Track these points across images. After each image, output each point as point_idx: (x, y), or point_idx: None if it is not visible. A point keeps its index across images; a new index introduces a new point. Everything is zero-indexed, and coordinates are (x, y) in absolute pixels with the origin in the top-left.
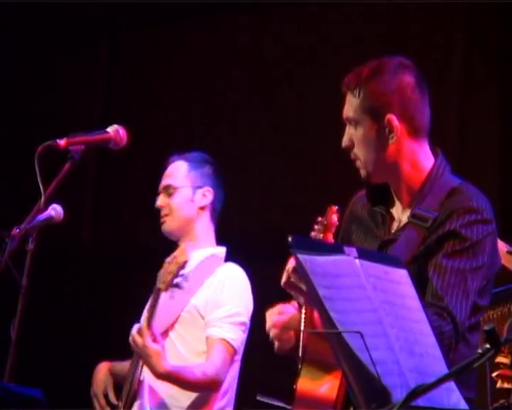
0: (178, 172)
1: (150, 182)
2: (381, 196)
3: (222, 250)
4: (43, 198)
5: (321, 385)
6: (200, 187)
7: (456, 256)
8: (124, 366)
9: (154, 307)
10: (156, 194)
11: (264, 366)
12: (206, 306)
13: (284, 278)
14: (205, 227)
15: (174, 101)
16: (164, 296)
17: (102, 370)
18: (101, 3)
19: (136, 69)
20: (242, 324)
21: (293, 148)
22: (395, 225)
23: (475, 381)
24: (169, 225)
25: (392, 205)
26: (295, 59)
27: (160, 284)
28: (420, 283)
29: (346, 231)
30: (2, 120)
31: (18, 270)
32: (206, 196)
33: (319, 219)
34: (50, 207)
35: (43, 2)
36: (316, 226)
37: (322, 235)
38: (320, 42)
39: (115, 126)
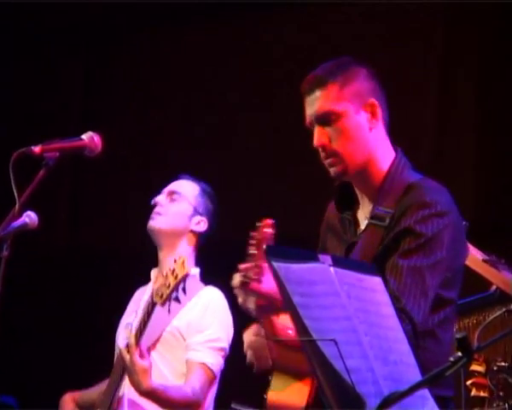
0: (189, 188)
1: (125, 187)
2: (348, 202)
3: (197, 271)
4: (17, 205)
5: (291, 394)
6: (199, 214)
7: (411, 255)
8: (89, 394)
9: (146, 321)
10: (134, 200)
11: (240, 375)
12: (188, 328)
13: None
14: (188, 250)
15: (153, 107)
16: (140, 313)
17: (67, 402)
18: (101, 4)
19: (115, 75)
20: (222, 349)
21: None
22: (362, 226)
23: (452, 379)
24: (159, 223)
25: (357, 209)
26: (295, 59)
27: (156, 298)
28: None
29: (323, 239)
30: None
31: None
32: (201, 224)
33: (253, 234)
34: (25, 214)
35: (40, 2)
36: (251, 242)
37: (255, 250)
38: (320, 42)
39: (90, 133)
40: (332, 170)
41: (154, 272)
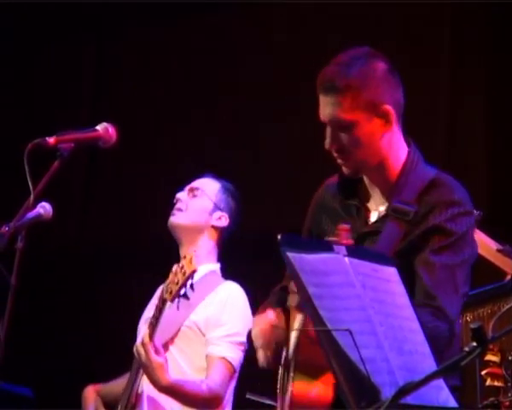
0: (210, 185)
1: (140, 180)
2: (353, 189)
3: (217, 266)
4: (32, 196)
5: (316, 387)
6: (220, 209)
7: (443, 252)
8: (111, 387)
9: (158, 318)
10: (147, 195)
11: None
12: (207, 324)
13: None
14: (210, 245)
15: (166, 99)
16: (168, 307)
17: (90, 395)
18: (90, 3)
19: (127, 67)
20: (241, 343)
21: (286, 148)
22: (373, 217)
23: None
24: (180, 219)
25: (367, 198)
26: (287, 59)
27: (166, 295)
28: (403, 278)
29: (315, 220)
30: None
31: (7, 268)
32: (222, 220)
33: (330, 239)
34: (39, 206)
35: (30, 1)
36: None
37: None
38: (318, 42)
39: (104, 124)
40: (344, 168)
41: (174, 268)
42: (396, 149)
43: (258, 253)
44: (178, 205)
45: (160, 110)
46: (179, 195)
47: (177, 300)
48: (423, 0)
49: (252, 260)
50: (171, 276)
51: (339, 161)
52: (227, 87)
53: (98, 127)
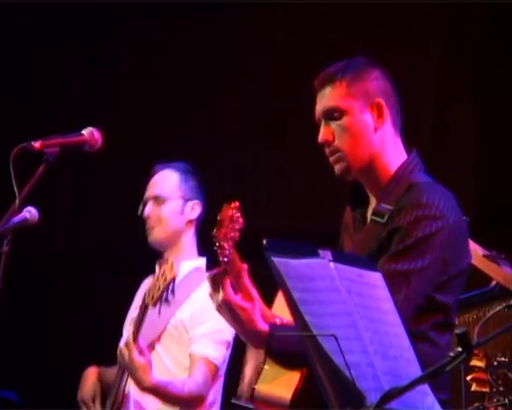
0: (169, 182)
1: (126, 183)
2: (360, 200)
3: (203, 262)
4: (17, 200)
5: (280, 385)
6: (189, 200)
7: (398, 258)
8: (112, 372)
9: (140, 321)
10: (133, 196)
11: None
12: (191, 320)
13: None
14: (190, 240)
15: (164, 99)
16: (151, 310)
17: (91, 376)
18: (89, 3)
19: (116, 63)
20: (224, 342)
21: (290, 149)
22: None
23: (448, 382)
24: (157, 236)
25: (367, 206)
26: (287, 59)
27: (148, 300)
28: None
29: (341, 240)
30: None
31: None
32: (195, 209)
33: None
34: (25, 210)
35: (29, 1)
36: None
37: (215, 231)
38: (316, 43)
39: (90, 129)
40: (336, 168)
41: (158, 264)
42: (390, 151)
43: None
44: (149, 223)
45: (157, 110)
46: (146, 212)
47: (158, 304)
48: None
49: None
50: (152, 281)
51: (330, 159)
52: (226, 87)
53: (84, 132)
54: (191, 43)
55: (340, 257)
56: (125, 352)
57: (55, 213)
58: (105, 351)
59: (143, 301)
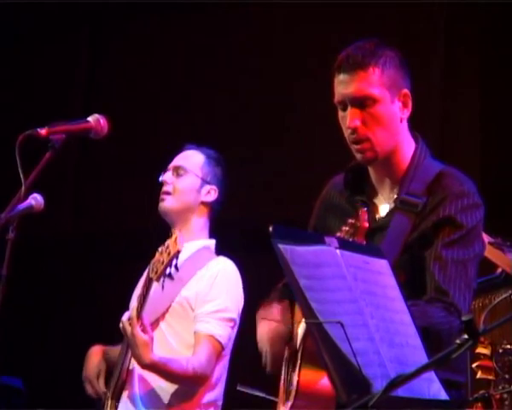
0: (194, 159)
1: (131, 170)
2: (360, 185)
3: (212, 242)
4: (23, 187)
5: (323, 377)
6: (208, 183)
7: (454, 246)
8: (117, 350)
9: (144, 296)
10: (137, 184)
11: (255, 358)
12: (197, 299)
13: None
14: (201, 222)
15: (163, 92)
16: (155, 286)
17: (96, 354)
18: None
19: (119, 57)
20: (231, 320)
21: (283, 138)
22: (382, 212)
23: (465, 365)
24: (169, 203)
25: (375, 194)
26: (287, 58)
27: (151, 274)
28: (415, 270)
29: (320, 217)
30: None
31: None
32: (211, 193)
33: (350, 221)
34: (31, 197)
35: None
36: (345, 228)
37: (352, 238)
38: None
39: (96, 116)
40: (360, 155)
41: (160, 248)
42: (406, 141)
43: (257, 245)
44: (165, 188)
45: (157, 103)
46: (165, 177)
47: (162, 279)
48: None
49: (252, 252)
50: (157, 255)
51: (354, 146)
52: (225, 83)
53: (90, 118)
54: (189, 40)
55: (346, 244)
56: (128, 327)
57: (60, 199)
58: (111, 336)
59: (147, 275)
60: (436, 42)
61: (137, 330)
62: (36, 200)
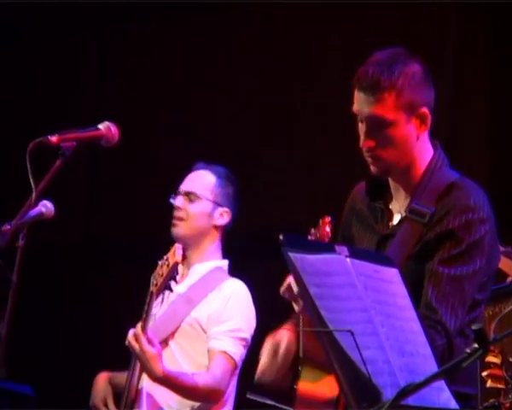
0: (204, 182)
1: (141, 178)
2: (380, 191)
3: (225, 263)
4: (34, 194)
5: (322, 385)
6: (220, 205)
7: (451, 263)
8: (123, 375)
9: (147, 310)
10: (147, 189)
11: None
12: (209, 320)
13: (282, 288)
14: (214, 244)
15: (168, 96)
16: (164, 305)
17: (101, 380)
18: None
19: (128, 64)
20: (244, 339)
21: (293, 147)
22: (396, 220)
23: (475, 376)
24: (181, 230)
25: (391, 200)
26: (290, 54)
27: (152, 287)
28: (416, 280)
29: (346, 224)
30: None
31: (8, 266)
32: (224, 216)
33: (312, 230)
34: (41, 204)
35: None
36: (309, 237)
37: None
38: (320, 40)
39: (107, 123)
40: (373, 168)
41: (180, 268)
42: (423, 152)
43: (260, 251)
44: (178, 214)
45: (162, 107)
46: (177, 202)
47: (162, 292)
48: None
49: (255, 258)
50: (157, 268)
51: (369, 159)
52: (227, 85)
53: (100, 126)
54: (193, 42)
55: (356, 253)
56: (135, 344)
57: (70, 206)
58: (121, 344)
59: (149, 288)
60: (444, 52)
61: (145, 344)
62: (46, 207)
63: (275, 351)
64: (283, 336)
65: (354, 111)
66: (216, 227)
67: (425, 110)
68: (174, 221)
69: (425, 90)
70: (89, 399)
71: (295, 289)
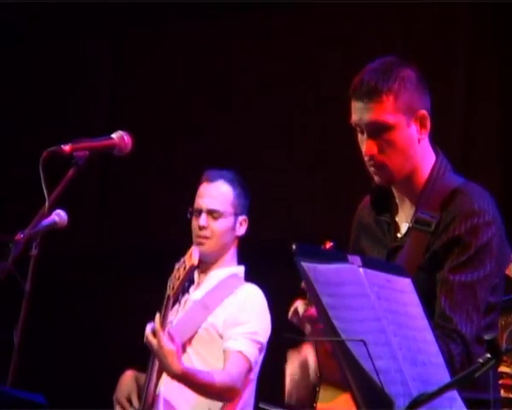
0: (225, 197)
1: (153, 186)
2: (385, 204)
3: (241, 269)
4: (47, 203)
5: (339, 404)
6: (239, 215)
7: (462, 269)
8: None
9: (164, 313)
10: (160, 199)
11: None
12: (225, 324)
13: (290, 314)
14: (232, 252)
15: (182, 107)
16: (180, 311)
17: (128, 377)
18: (108, 3)
19: (141, 73)
20: (259, 343)
21: (307, 155)
22: (403, 231)
23: (488, 382)
24: (209, 248)
25: (396, 211)
26: (300, 59)
27: (169, 291)
28: (427, 291)
29: (355, 239)
30: (6, 123)
31: (21, 275)
32: (243, 224)
33: None
34: (54, 213)
35: (45, 2)
36: None
37: None
38: (325, 44)
39: (120, 132)
40: (377, 178)
41: (196, 275)
42: (426, 158)
43: (272, 260)
44: (204, 233)
45: (175, 118)
46: (202, 222)
47: (180, 295)
48: (436, 0)
49: (268, 266)
50: (174, 271)
51: (372, 169)
52: (242, 96)
53: (113, 135)
54: (193, 40)
55: (368, 262)
56: (153, 339)
57: (83, 215)
58: (137, 353)
59: (166, 292)
60: (457, 50)
61: (164, 339)
62: (59, 216)
63: (303, 368)
64: (309, 353)
65: (353, 123)
66: (237, 237)
67: (424, 112)
68: (200, 240)
69: (422, 94)
70: (102, 407)
71: (301, 312)
